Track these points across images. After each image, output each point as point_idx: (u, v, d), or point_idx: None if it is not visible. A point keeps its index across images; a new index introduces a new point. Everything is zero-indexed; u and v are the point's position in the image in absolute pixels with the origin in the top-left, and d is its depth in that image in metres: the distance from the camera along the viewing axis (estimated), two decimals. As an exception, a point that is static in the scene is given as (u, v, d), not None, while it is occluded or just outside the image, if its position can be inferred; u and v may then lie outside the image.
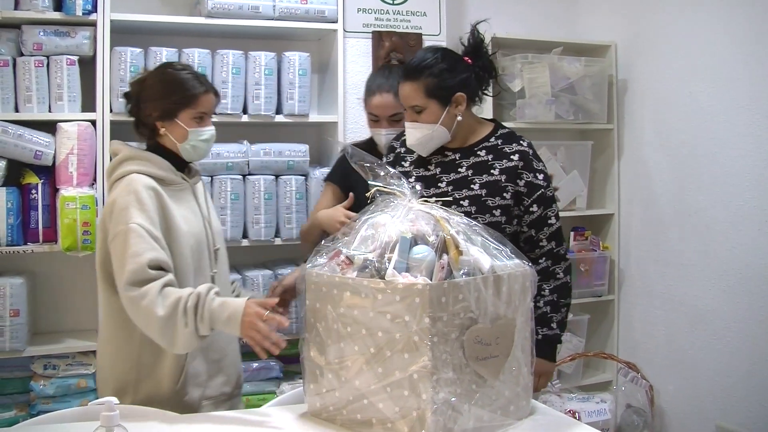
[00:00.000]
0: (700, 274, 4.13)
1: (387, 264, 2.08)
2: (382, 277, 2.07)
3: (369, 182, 2.33)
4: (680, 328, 4.26)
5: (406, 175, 2.82)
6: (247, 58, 3.84)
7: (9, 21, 3.48)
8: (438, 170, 2.88)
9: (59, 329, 3.81)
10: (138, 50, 3.63)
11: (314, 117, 4.10)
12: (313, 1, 3.92)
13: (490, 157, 2.84)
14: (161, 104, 2.65)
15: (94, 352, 3.56)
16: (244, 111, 3.84)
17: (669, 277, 4.33)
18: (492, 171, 2.82)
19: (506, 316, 2.13)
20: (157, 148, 2.70)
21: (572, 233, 4.65)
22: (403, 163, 2.97)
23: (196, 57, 3.71)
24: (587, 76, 4.51)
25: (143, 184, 2.53)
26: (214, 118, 3.72)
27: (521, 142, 2.89)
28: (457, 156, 2.87)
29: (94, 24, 3.57)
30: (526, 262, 2.24)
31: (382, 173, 2.30)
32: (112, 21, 3.57)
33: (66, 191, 3.45)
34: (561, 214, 3.00)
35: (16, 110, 3.52)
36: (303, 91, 3.93)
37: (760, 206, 3.79)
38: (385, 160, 3.04)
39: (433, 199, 2.33)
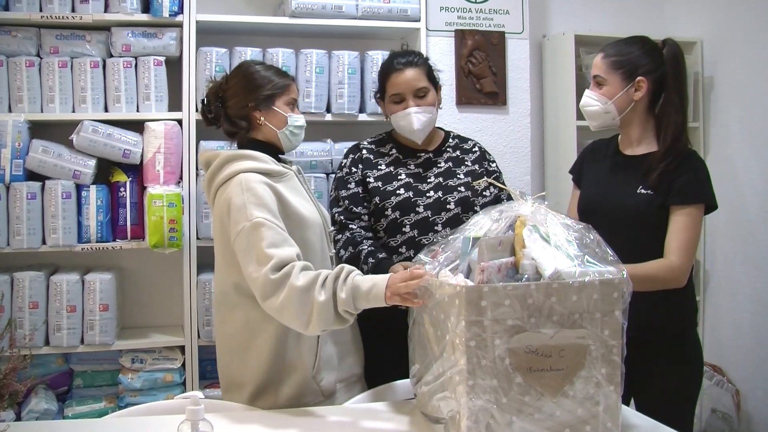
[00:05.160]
0: (791, 277, 4.01)
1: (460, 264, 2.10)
2: None
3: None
4: (769, 331, 4.14)
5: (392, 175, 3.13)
6: (331, 58, 3.85)
7: (99, 23, 3.57)
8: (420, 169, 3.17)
9: (146, 324, 3.89)
10: (223, 50, 3.67)
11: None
12: (395, 0, 3.91)
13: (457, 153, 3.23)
14: (257, 94, 2.68)
15: (180, 347, 3.65)
16: (328, 110, 3.86)
17: (757, 279, 4.21)
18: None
19: (576, 327, 1.97)
20: (250, 144, 2.71)
21: (656, 233, 4.55)
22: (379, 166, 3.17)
23: (280, 56, 3.74)
24: (672, 73, 4.42)
25: (256, 181, 2.51)
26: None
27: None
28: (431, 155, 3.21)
29: (180, 25, 3.64)
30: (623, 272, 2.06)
31: None
32: (197, 22, 3.64)
33: (153, 189, 3.51)
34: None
35: (106, 110, 3.60)
36: (386, 90, 3.93)
37: None
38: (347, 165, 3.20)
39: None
